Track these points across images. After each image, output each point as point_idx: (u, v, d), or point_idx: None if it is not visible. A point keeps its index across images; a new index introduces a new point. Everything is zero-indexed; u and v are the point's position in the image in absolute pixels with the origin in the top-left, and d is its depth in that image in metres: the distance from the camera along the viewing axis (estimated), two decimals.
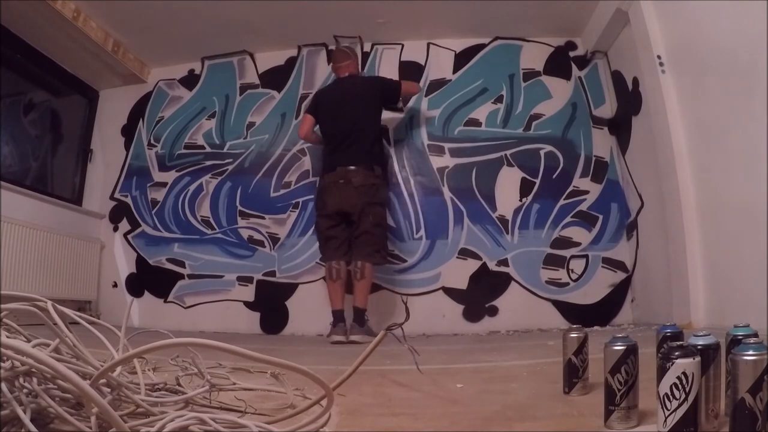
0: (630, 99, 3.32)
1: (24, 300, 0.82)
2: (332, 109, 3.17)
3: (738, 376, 0.71)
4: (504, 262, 3.53)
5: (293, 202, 3.79)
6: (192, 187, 3.96)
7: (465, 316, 3.47)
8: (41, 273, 3.32)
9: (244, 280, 3.75)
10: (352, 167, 3.00)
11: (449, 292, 3.52)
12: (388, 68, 3.85)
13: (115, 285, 3.93)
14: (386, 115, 3.74)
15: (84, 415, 0.69)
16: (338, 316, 2.89)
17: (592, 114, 3.70)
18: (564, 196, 3.58)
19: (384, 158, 3.43)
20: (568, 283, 3.49)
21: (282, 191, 3.82)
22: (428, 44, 3.89)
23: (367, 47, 3.93)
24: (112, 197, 4.09)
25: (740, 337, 0.84)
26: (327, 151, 3.18)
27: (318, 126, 3.26)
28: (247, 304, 3.71)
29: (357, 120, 3.11)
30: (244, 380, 1.23)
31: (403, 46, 3.86)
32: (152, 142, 4.11)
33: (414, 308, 3.39)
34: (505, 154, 3.66)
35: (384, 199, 3.21)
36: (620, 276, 3.45)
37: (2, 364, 0.65)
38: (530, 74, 3.79)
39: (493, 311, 3.47)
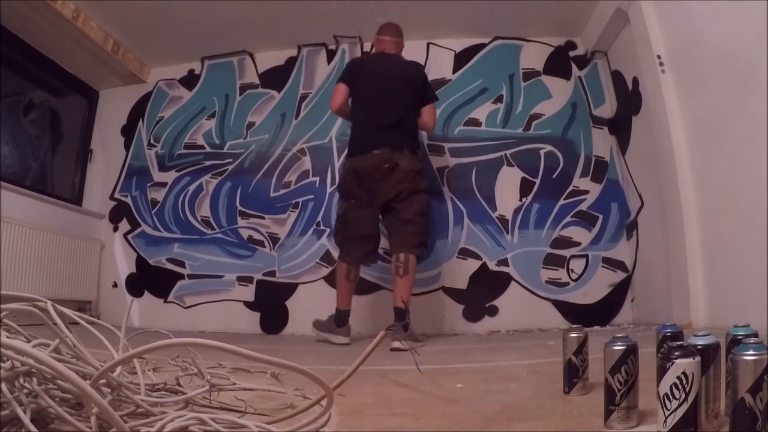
0: (630, 99, 3.32)
1: (24, 300, 0.82)
2: (377, 81, 2.81)
3: (738, 376, 0.71)
4: (504, 262, 3.53)
5: (293, 202, 3.79)
6: (192, 187, 3.96)
7: (465, 316, 3.47)
8: (41, 273, 3.31)
9: (244, 280, 3.75)
10: (398, 150, 2.68)
11: (449, 291, 3.52)
12: None
13: (115, 285, 3.93)
14: None
15: (84, 415, 0.69)
16: (345, 317, 2.70)
17: (592, 114, 3.70)
18: (564, 196, 3.58)
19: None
20: (568, 283, 3.48)
21: (282, 191, 3.82)
22: (428, 44, 3.88)
23: (367, 47, 3.93)
24: (112, 197, 4.09)
25: (740, 337, 0.84)
26: (363, 128, 2.80)
27: (351, 98, 2.87)
28: (247, 304, 3.71)
29: (403, 101, 2.79)
30: (244, 380, 1.23)
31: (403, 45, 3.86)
32: (152, 142, 4.11)
33: (414, 308, 3.39)
34: (505, 154, 3.66)
35: (428, 186, 2.86)
36: (620, 276, 3.45)
37: (2, 364, 0.65)
38: (530, 74, 3.79)
39: (493, 311, 3.47)
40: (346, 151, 2.92)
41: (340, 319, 2.70)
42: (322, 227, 3.69)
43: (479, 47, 3.86)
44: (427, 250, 2.89)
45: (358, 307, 3.02)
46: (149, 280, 3.89)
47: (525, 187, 3.61)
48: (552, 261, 3.51)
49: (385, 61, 2.91)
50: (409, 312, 2.55)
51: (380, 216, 2.78)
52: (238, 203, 3.86)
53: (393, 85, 2.80)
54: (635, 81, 3.23)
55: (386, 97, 2.77)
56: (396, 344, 2.22)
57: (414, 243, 2.67)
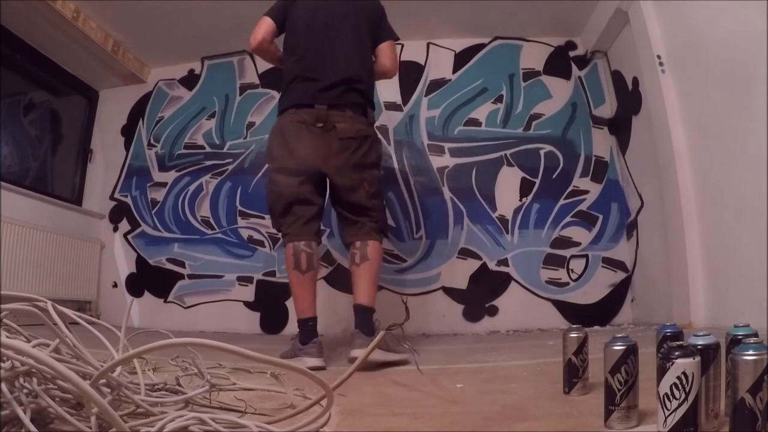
0: (630, 99, 3.32)
1: (24, 300, 0.82)
2: (314, 18, 2.16)
3: (738, 376, 0.71)
4: (504, 262, 3.53)
5: None
6: (192, 187, 3.96)
7: (465, 316, 3.47)
8: (41, 273, 3.31)
9: (244, 280, 3.74)
10: (338, 108, 2.04)
11: (449, 292, 3.52)
12: None
13: (115, 285, 3.93)
14: (385, 113, 3.75)
15: (84, 415, 0.69)
16: (310, 328, 1.96)
17: (592, 114, 3.70)
18: (564, 196, 3.58)
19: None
20: (568, 283, 3.48)
21: None
22: (428, 44, 3.88)
23: None
24: (112, 197, 4.09)
25: (740, 337, 0.84)
26: (295, 79, 2.12)
27: (285, 41, 2.25)
28: (247, 304, 3.71)
29: (350, 42, 2.15)
30: (244, 380, 1.23)
31: (403, 46, 3.85)
32: (152, 142, 4.11)
33: (414, 308, 3.38)
34: (505, 154, 3.66)
35: (379, 158, 2.23)
36: (620, 276, 3.45)
37: (2, 364, 0.65)
38: (530, 74, 3.79)
39: (493, 311, 3.47)
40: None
41: (303, 334, 1.95)
42: (322, 227, 3.68)
43: (479, 47, 3.86)
44: (385, 236, 2.24)
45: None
46: (149, 280, 3.89)
47: (525, 187, 3.61)
48: (552, 261, 3.51)
49: None
50: (374, 310, 2.03)
51: (323, 190, 2.15)
52: (238, 203, 3.86)
53: (335, 22, 2.15)
54: (635, 81, 3.23)
55: (325, 37, 2.12)
56: (356, 353, 1.83)
57: (368, 230, 2.11)
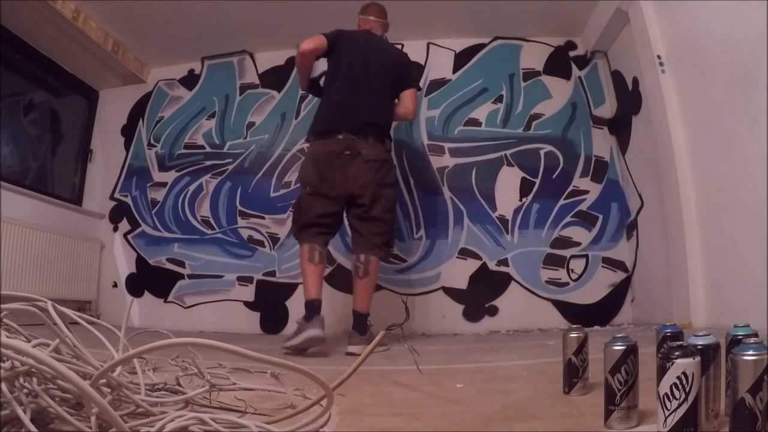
0: (630, 99, 3.32)
1: (24, 300, 0.82)
2: (360, 59, 2.57)
3: (738, 376, 0.71)
4: (504, 262, 3.53)
5: (293, 201, 3.77)
6: (192, 187, 3.96)
7: (465, 316, 3.47)
8: (41, 273, 3.31)
9: (244, 280, 3.75)
10: (362, 137, 2.46)
11: (449, 291, 3.52)
12: None
13: (115, 285, 3.93)
14: None
15: (84, 415, 0.69)
16: (315, 306, 2.35)
17: (592, 114, 3.70)
18: (564, 196, 3.58)
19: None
20: (568, 283, 3.48)
21: (282, 191, 3.82)
22: (428, 44, 3.89)
23: None
24: (112, 197, 4.09)
25: (740, 337, 0.84)
26: (330, 109, 2.58)
27: (328, 69, 2.68)
28: (247, 304, 3.71)
29: (382, 86, 2.58)
30: (244, 380, 1.23)
31: (402, 45, 3.85)
32: (152, 142, 4.11)
33: (414, 308, 3.39)
34: (505, 154, 3.66)
35: (395, 180, 2.70)
36: (620, 276, 3.45)
37: (2, 364, 0.65)
38: (530, 74, 3.79)
39: (493, 311, 3.47)
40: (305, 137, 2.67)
41: (309, 311, 2.34)
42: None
43: (479, 47, 3.86)
44: (389, 253, 2.68)
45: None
46: (149, 280, 3.89)
47: (525, 187, 3.61)
48: (552, 261, 3.51)
49: (373, 40, 2.69)
50: (368, 315, 2.45)
51: (343, 211, 2.56)
52: (238, 203, 3.86)
53: (376, 68, 2.58)
54: (635, 81, 3.23)
55: (365, 78, 2.54)
56: (352, 349, 2.30)
57: (377, 243, 2.48)
